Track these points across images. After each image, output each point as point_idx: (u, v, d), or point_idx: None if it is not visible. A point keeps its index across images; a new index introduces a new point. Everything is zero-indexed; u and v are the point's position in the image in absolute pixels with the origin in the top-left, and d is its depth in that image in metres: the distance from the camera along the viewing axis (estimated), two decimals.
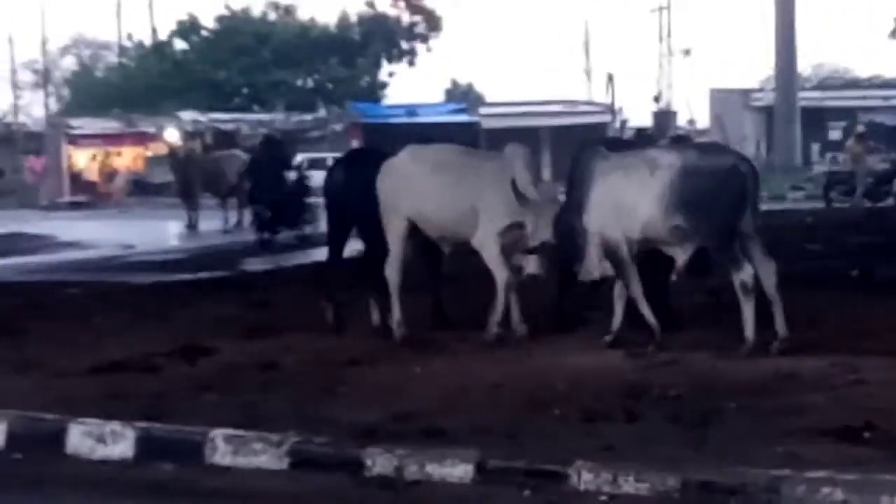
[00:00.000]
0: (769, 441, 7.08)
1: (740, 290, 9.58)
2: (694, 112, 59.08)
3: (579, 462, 6.75)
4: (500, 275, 10.39)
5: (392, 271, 10.90)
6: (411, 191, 10.74)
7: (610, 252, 9.95)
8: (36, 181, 52.14)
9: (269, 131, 49.60)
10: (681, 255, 9.80)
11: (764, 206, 11.56)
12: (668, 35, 59.15)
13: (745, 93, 55.60)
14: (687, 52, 59.33)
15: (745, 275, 9.57)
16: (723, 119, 51.00)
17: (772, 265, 9.74)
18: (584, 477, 6.70)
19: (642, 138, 12.32)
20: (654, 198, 9.68)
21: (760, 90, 55.74)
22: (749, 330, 9.59)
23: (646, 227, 9.78)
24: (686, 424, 7.50)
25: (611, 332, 10.09)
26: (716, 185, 9.59)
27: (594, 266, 10.06)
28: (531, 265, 10.20)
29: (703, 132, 49.75)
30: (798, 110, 49.30)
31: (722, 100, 54.03)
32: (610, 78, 56.44)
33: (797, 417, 7.61)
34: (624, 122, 54.17)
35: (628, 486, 6.64)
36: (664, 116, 53.19)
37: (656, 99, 57.50)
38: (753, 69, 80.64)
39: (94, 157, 53.07)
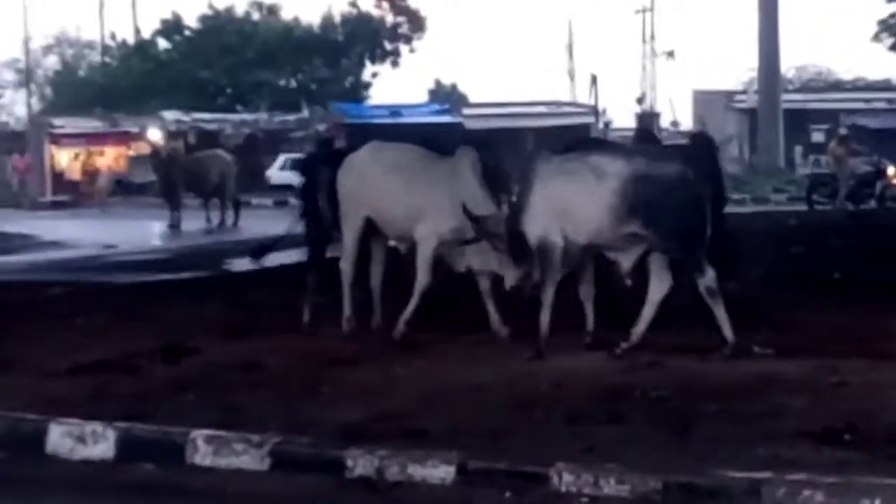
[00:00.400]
0: (750, 443, 7.08)
1: (706, 294, 9.58)
2: (677, 114, 59.24)
3: (560, 464, 6.75)
4: (422, 277, 10.46)
5: (346, 265, 11.11)
6: (368, 188, 10.89)
7: (543, 255, 9.87)
8: (20, 180, 51.97)
9: (253, 131, 49.73)
10: (626, 261, 9.80)
11: (747, 209, 11.59)
12: (652, 37, 59.25)
13: (729, 94, 55.72)
14: (670, 54, 59.49)
15: (708, 279, 9.55)
16: (706, 121, 51.03)
17: (667, 280, 9.80)
18: (566, 479, 6.70)
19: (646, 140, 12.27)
20: (604, 205, 9.60)
21: (743, 92, 55.87)
22: (727, 331, 9.59)
23: (595, 234, 9.73)
24: (668, 426, 7.49)
25: (587, 332, 10.09)
26: (672, 191, 9.56)
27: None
28: (509, 278, 10.20)
29: (686, 134, 49.79)
30: (781, 112, 49.40)
31: (705, 101, 54.11)
32: (593, 79, 56.57)
33: (779, 420, 7.61)
34: (608, 124, 54.23)
35: (609, 488, 6.64)
36: (647, 118, 53.26)
37: (639, 100, 57.61)
38: (736, 71, 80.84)
39: (76, 157, 52.94)
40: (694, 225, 9.59)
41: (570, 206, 9.76)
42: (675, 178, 9.63)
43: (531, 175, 10.01)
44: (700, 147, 11.48)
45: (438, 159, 10.97)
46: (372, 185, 10.86)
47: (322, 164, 11.68)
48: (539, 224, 9.86)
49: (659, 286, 9.80)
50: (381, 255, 11.26)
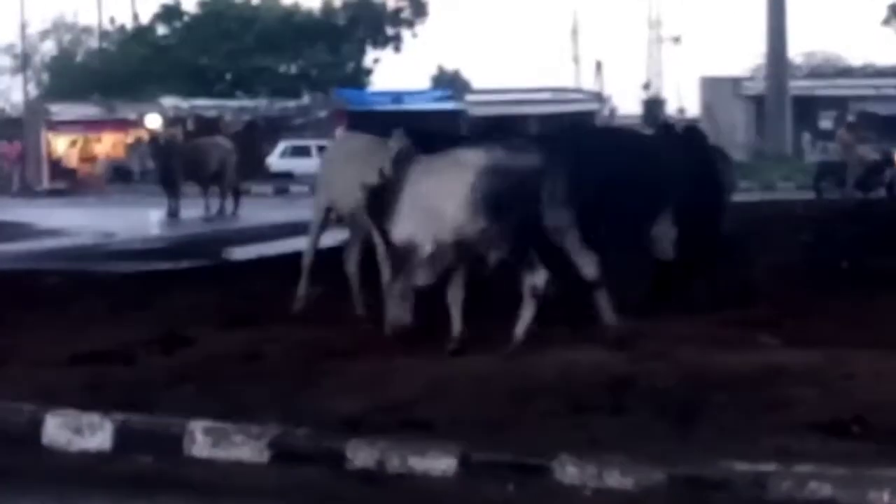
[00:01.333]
0: (757, 435, 7.02)
1: (529, 291, 9.42)
2: (684, 100, 59.19)
3: (564, 456, 6.68)
4: (384, 272, 10.24)
5: (307, 252, 11.34)
6: (329, 177, 11.14)
7: (407, 257, 9.61)
8: (9, 167, 51.80)
9: (253, 118, 49.70)
10: (492, 258, 9.62)
11: (754, 197, 11.61)
12: (658, 22, 59.21)
13: (736, 81, 55.66)
14: (677, 40, 59.51)
15: (537, 278, 9.42)
16: (713, 107, 51.02)
17: (591, 255, 9.69)
18: (569, 471, 6.63)
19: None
20: (462, 200, 9.37)
21: (751, 78, 55.85)
22: (521, 330, 9.43)
23: (459, 231, 9.45)
24: (673, 418, 7.42)
25: (452, 339, 9.72)
26: (516, 185, 9.37)
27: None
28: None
29: (693, 120, 49.80)
30: (789, 99, 49.36)
31: (712, 88, 54.07)
32: (599, 66, 56.56)
33: (785, 411, 7.54)
34: (613, 111, 54.23)
35: (613, 480, 6.57)
36: (653, 104, 53.27)
37: (646, 87, 57.60)
38: (744, 57, 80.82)
39: (73, 144, 52.90)
40: (531, 220, 9.42)
41: (435, 204, 9.49)
42: (525, 171, 9.43)
43: (400, 177, 9.76)
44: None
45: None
46: (333, 175, 11.13)
47: None
48: (405, 225, 9.57)
49: (589, 262, 9.64)
50: (358, 242, 11.24)
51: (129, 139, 51.47)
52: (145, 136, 48.20)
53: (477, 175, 9.32)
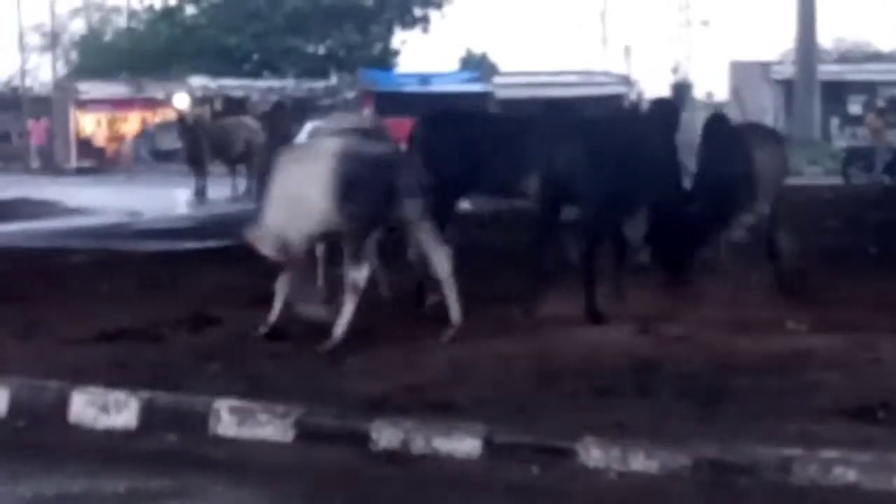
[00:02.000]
0: (782, 419, 7.00)
1: (350, 287, 9.33)
2: (712, 84, 58.91)
3: (588, 438, 6.68)
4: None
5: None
6: None
7: (285, 250, 9.53)
8: (35, 145, 51.89)
9: (281, 98, 49.64)
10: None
11: None
12: (687, 6, 58.91)
13: (765, 65, 55.27)
14: (706, 24, 59.16)
15: (360, 274, 9.37)
16: (742, 92, 50.73)
17: (444, 250, 9.52)
18: (593, 453, 6.63)
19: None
20: (321, 189, 9.29)
21: (780, 63, 55.45)
22: (339, 328, 9.27)
23: (323, 221, 9.39)
24: (698, 401, 7.41)
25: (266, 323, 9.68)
26: (365, 174, 9.27)
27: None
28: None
29: (721, 104, 49.58)
30: (818, 84, 48.99)
31: (741, 72, 53.67)
32: (627, 49, 56.33)
33: (811, 396, 7.52)
34: (641, 94, 53.96)
35: (638, 463, 6.56)
36: (681, 88, 52.98)
37: (674, 70, 57.34)
38: (774, 41, 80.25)
39: (99, 123, 52.97)
40: (372, 210, 9.34)
41: (300, 194, 9.40)
42: (371, 160, 9.35)
43: (272, 169, 9.72)
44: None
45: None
46: None
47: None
48: (278, 218, 9.48)
49: (441, 258, 9.53)
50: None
51: (157, 118, 51.48)
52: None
53: (337, 161, 9.28)
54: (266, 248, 9.50)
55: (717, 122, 12.02)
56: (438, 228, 9.63)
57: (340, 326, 9.26)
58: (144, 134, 49.95)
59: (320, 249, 11.06)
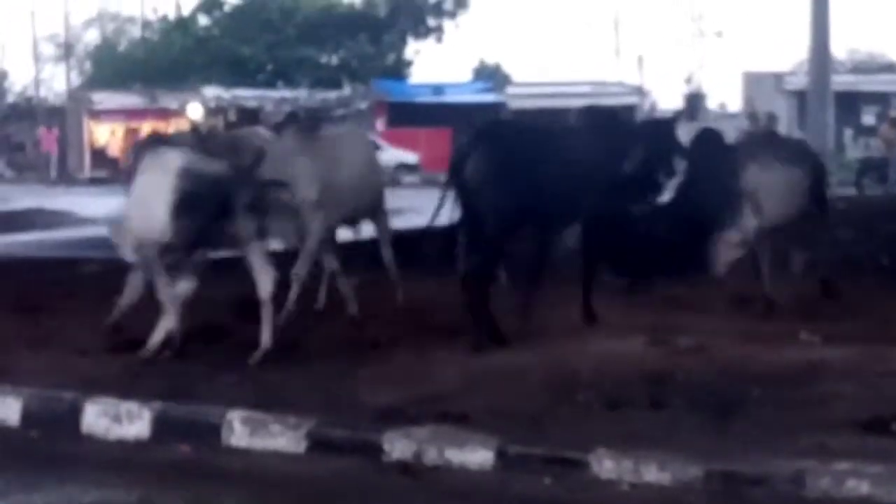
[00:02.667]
0: (795, 431, 6.99)
1: (171, 300, 9.45)
2: (725, 95, 58.96)
3: (601, 450, 6.67)
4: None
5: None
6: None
7: (142, 253, 9.58)
8: (46, 154, 51.97)
9: (294, 108, 49.67)
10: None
11: None
12: (700, 16, 58.93)
13: (778, 76, 55.26)
14: (719, 34, 59.19)
15: (181, 288, 9.49)
16: (755, 102, 50.69)
17: (269, 273, 9.53)
18: (606, 465, 6.63)
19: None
20: (162, 201, 9.28)
21: (793, 73, 55.40)
22: (156, 336, 9.40)
23: (163, 231, 9.37)
24: (711, 413, 7.40)
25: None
26: (201, 192, 9.27)
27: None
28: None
29: (734, 115, 49.58)
30: (831, 94, 48.89)
31: (754, 83, 53.67)
32: (640, 59, 56.33)
33: (824, 407, 7.51)
34: (653, 104, 53.95)
35: (650, 475, 6.56)
36: (694, 98, 52.99)
37: (687, 81, 57.36)
38: (787, 52, 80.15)
39: (112, 133, 53.07)
40: (201, 228, 9.32)
41: (148, 202, 9.43)
42: (214, 177, 9.35)
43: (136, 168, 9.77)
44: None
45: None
46: None
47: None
48: (131, 219, 9.54)
49: (265, 280, 9.53)
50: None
51: (171, 129, 51.62)
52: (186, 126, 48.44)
53: (176, 176, 9.28)
54: (121, 246, 9.58)
55: (706, 136, 11.73)
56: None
57: (157, 337, 9.40)
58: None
59: (330, 260, 11.07)
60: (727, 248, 10.72)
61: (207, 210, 9.25)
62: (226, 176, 9.42)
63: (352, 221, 11.45)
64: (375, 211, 11.44)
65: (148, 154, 9.69)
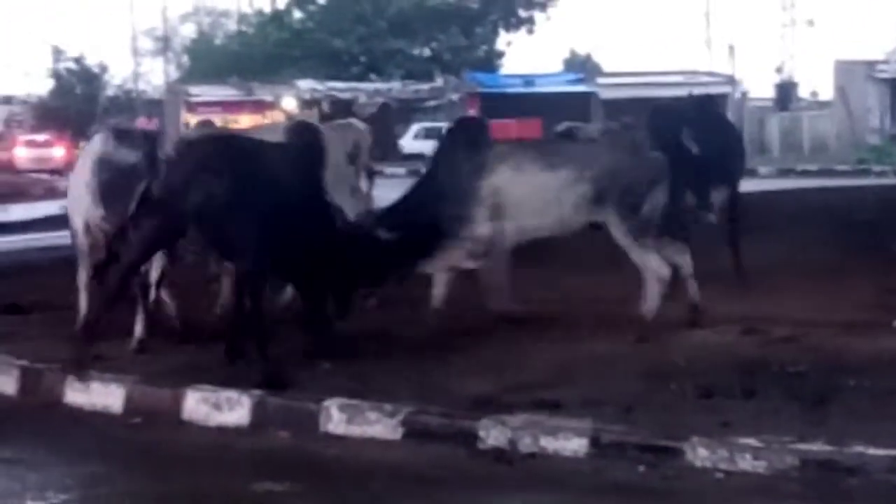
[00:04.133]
0: (889, 420, 6.95)
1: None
2: (816, 83, 58.36)
3: (695, 438, 6.67)
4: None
5: None
6: None
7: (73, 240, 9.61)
8: None
9: (387, 100, 49.89)
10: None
11: (888, 180, 11.41)
12: (792, 5, 58.32)
13: (870, 64, 54.57)
14: (811, 23, 58.56)
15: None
16: (846, 91, 50.12)
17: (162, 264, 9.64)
18: (700, 453, 6.62)
19: None
20: (85, 188, 9.39)
21: (885, 62, 54.70)
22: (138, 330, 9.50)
23: (92, 217, 9.39)
24: (805, 402, 7.37)
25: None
26: (118, 178, 9.22)
27: None
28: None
29: (826, 104, 49.08)
30: None
31: (846, 71, 53.06)
32: (731, 49, 55.90)
33: None
34: (745, 94, 53.52)
35: (745, 463, 6.54)
36: (785, 88, 52.49)
37: (778, 70, 56.83)
38: (879, 41, 79.13)
39: (199, 125, 53.55)
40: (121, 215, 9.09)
41: (76, 190, 9.58)
42: (125, 166, 9.28)
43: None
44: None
45: None
46: None
47: None
48: (70, 202, 9.71)
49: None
50: None
51: (266, 120, 52.01)
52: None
53: (94, 162, 9.38)
54: (71, 230, 9.68)
55: (462, 126, 11.03)
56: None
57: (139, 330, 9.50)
58: None
59: None
60: (451, 258, 9.82)
61: (121, 198, 9.08)
62: (137, 166, 9.24)
63: None
64: None
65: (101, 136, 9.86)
